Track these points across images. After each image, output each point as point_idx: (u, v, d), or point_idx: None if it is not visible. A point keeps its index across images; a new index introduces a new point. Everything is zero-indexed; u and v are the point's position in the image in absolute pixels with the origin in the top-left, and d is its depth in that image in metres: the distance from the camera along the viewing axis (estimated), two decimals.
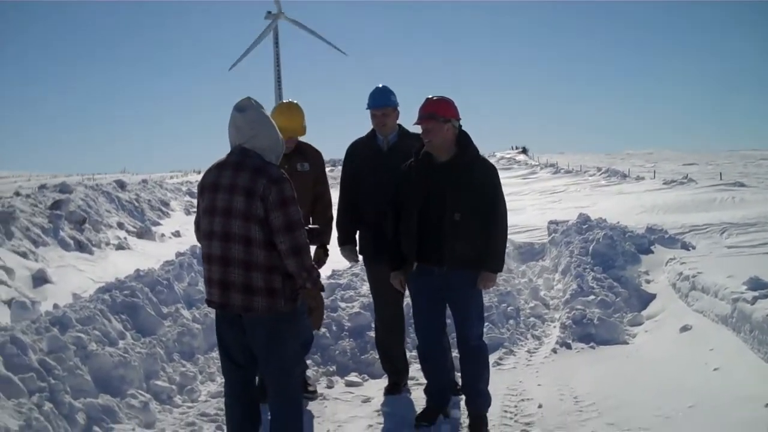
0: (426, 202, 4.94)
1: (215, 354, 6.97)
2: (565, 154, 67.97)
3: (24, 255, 9.75)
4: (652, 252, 9.89)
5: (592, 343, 7.24)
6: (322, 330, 7.24)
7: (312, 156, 5.90)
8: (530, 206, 21.57)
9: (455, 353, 5.51)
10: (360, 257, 6.04)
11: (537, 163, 51.03)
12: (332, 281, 8.40)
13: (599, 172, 34.11)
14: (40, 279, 9.21)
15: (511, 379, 6.36)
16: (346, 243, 5.94)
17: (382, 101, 5.71)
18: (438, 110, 4.93)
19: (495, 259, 5.00)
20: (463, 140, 5.02)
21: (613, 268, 9.14)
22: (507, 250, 11.34)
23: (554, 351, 7.11)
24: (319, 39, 66.68)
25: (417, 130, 5.18)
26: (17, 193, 18.05)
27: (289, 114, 5.81)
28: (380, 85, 5.76)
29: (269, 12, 63.20)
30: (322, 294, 4.34)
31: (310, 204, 5.86)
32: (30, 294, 8.45)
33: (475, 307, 5.12)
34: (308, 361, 6.81)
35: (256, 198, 3.90)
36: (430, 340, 5.23)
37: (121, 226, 15.09)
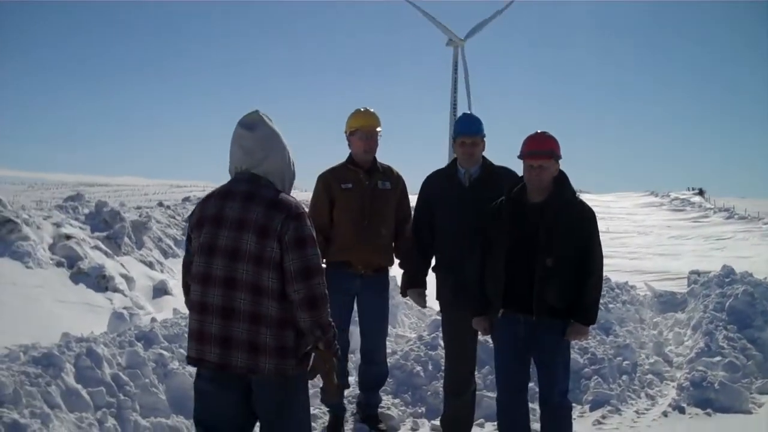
0: (516, 244, 4.60)
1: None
2: (747, 198, 64.54)
3: (150, 265, 10.05)
4: None
5: (709, 410, 6.56)
6: (417, 368, 6.98)
7: (393, 176, 5.74)
8: (690, 252, 20.58)
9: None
10: (435, 302, 5.63)
11: (712, 206, 48.67)
12: (436, 317, 8.09)
13: None
14: (160, 290, 9.44)
15: None
16: (415, 285, 5.55)
17: (473, 128, 5.33)
18: (555, 148, 4.62)
19: (587, 310, 4.62)
20: (561, 180, 4.68)
21: (750, 327, 8.34)
22: (645, 298, 10.84)
23: (665, 414, 6.51)
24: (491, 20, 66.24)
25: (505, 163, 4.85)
26: (160, 204, 18.71)
27: (366, 113, 5.73)
28: (468, 112, 5.44)
29: (450, 40, 63.70)
30: (335, 359, 3.54)
31: (394, 226, 5.73)
32: (146, 304, 8.65)
33: (561, 360, 4.72)
34: (396, 400, 6.58)
35: (272, 237, 3.31)
36: (511, 392, 4.83)
37: None
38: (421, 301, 5.63)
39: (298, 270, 3.32)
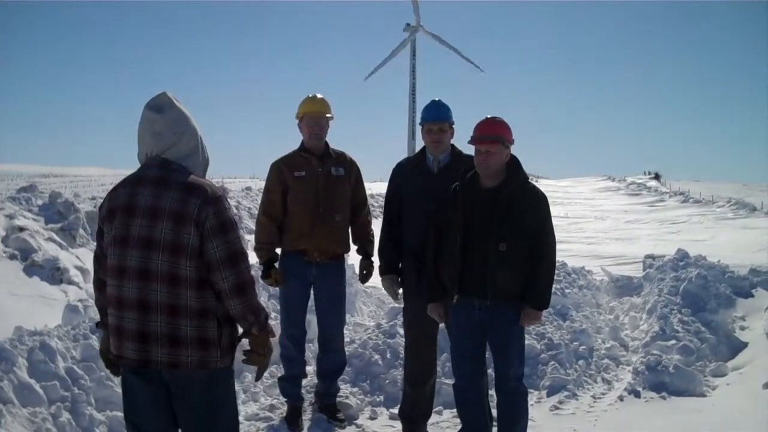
0: (469, 230, 4.60)
1: (265, 372, 6.82)
2: (701, 182, 65.41)
3: None
4: (753, 296, 9.10)
5: (663, 393, 6.64)
6: (375, 356, 6.98)
7: (347, 162, 5.73)
8: (646, 236, 20.78)
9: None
10: (401, 290, 5.59)
11: (668, 191, 49.27)
12: (395, 305, 8.08)
13: (728, 203, 32.63)
14: None
15: (565, 427, 5.92)
16: (387, 272, 5.46)
17: (439, 115, 5.26)
18: (504, 133, 4.61)
19: (540, 294, 4.64)
20: (514, 166, 4.69)
21: (703, 311, 8.45)
22: (601, 282, 10.94)
23: (620, 399, 6.57)
24: (456, 54, 66.14)
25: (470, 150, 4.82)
26: None
27: (314, 99, 5.72)
28: (436, 99, 5.39)
29: (408, 24, 63.44)
30: (271, 339, 3.45)
31: (349, 212, 5.74)
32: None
33: (516, 345, 4.74)
34: (355, 389, 6.58)
35: (188, 224, 3.14)
36: (467, 378, 4.84)
37: None
38: (394, 288, 5.51)
39: (225, 257, 3.18)
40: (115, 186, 3.37)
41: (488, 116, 4.70)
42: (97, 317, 3.62)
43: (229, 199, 3.45)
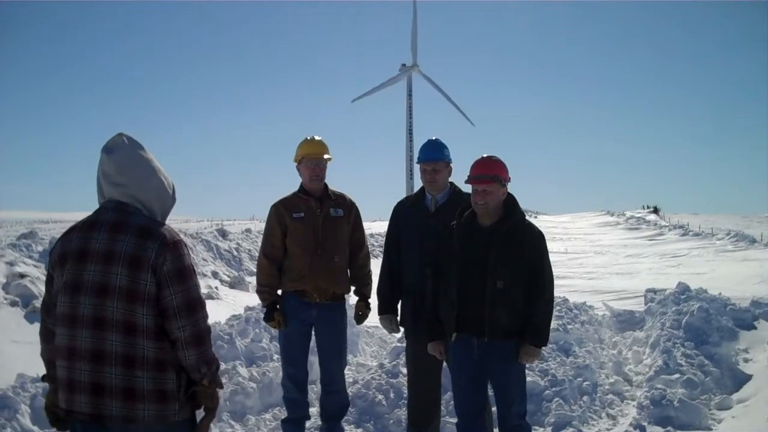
0: (467, 268, 4.62)
1: (268, 415, 6.81)
2: (700, 215, 65.42)
3: None
4: (755, 327, 9.11)
5: (669, 427, 6.56)
6: (379, 396, 6.95)
7: (346, 203, 5.75)
8: (647, 270, 20.75)
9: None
10: (401, 329, 5.62)
11: (667, 224, 49.23)
12: (398, 344, 8.07)
13: (728, 236, 32.59)
14: None
15: None
16: (386, 312, 5.52)
17: (434, 155, 5.33)
18: (500, 172, 4.64)
19: (538, 331, 4.62)
20: (511, 204, 4.72)
21: (706, 344, 8.47)
22: (603, 317, 10.92)
23: None
24: (450, 103, 66.07)
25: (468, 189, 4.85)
26: None
27: (312, 141, 5.73)
28: (433, 138, 5.44)
29: (404, 65, 63.75)
30: (219, 392, 3.30)
31: (348, 254, 5.75)
32: None
33: (516, 383, 4.72)
34: (359, 430, 6.55)
35: (145, 269, 2.97)
36: (469, 416, 4.82)
37: (215, 275, 15.24)
38: (393, 327, 5.59)
39: (181, 305, 3.02)
40: (68, 230, 3.20)
41: (484, 155, 4.74)
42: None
43: (188, 247, 3.28)
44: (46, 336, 3.20)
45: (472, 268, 4.61)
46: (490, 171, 4.64)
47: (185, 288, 3.04)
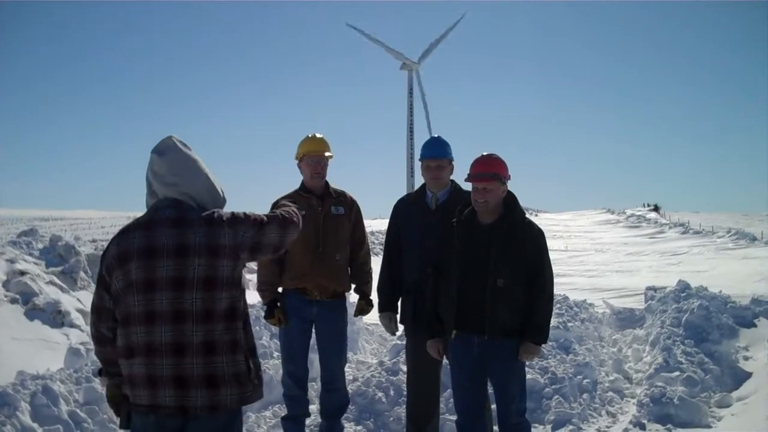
0: (467, 265, 4.63)
1: (268, 413, 6.81)
2: (700, 213, 65.44)
3: None
4: (755, 326, 9.11)
5: (669, 425, 6.59)
6: (379, 394, 6.96)
7: (347, 201, 5.75)
8: (647, 268, 20.72)
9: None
10: (400, 326, 5.63)
11: (667, 222, 49.21)
12: (397, 342, 8.07)
13: (728, 234, 32.59)
14: None
15: None
16: (385, 309, 5.53)
17: (437, 152, 5.33)
18: (500, 170, 4.65)
19: (538, 329, 4.64)
20: (511, 202, 4.72)
21: (706, 342, 8.47)
22: (603, 315, 10.92)
23: (625, 431, 6.55)
24: (422, 105, 65.34)
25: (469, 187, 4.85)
26: None
27: (313, 139, 5.74)
28: (436, 135, 5.44)
29: (404, 63, 63.81)
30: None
31: (349, 251, 5.75)
32: None
33: (516, 380, 4.73)
34: (359, 427, 6.55)
35: (223, 255, 3.14)
36: (469, 414, 4.83)
37: None
38: (392, 325, 5.59)
39: (278, 230, 3.35)
40: (122, 231, 3.27)
41: (484, 153, 4.75)
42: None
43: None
44: (100, 339, 3.29)
45: (472, 266, 4.62)
46: (490, 169, 4.64)
47: (266, 231, 3.31)
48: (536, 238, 4.71)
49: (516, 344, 4.61)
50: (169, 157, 3.30)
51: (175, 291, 3.08)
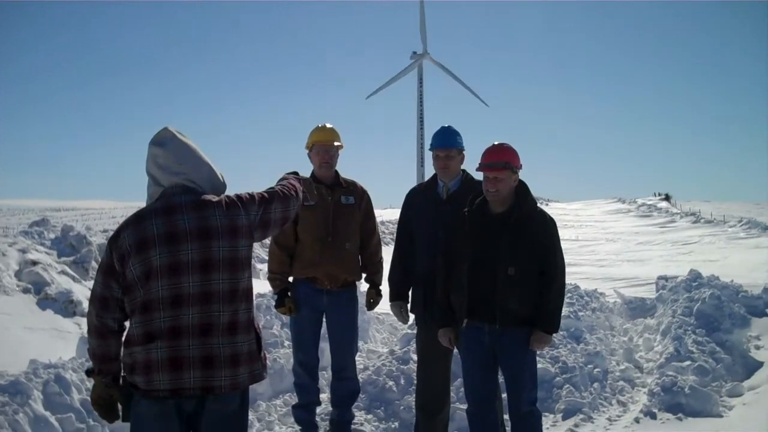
0: (478, 255, 4.62)
1: (279, 401, 6.84)
2: (711, 202, 65.24)
3: None
4: (767, 315, 9.06)
5: (680, 414, 6.58)
6: (389, 383, 6.97)
7: (357, 191, 5.75)
8: (658, 257, 20.74)
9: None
10: (411, 316, 5.63)
11: (678, 212, 49.12)
12: (408, 331, 8.08)
13: (739, 223, 32.51)
14: None
15: None
16: (397, 299, 5.51)
17: (447, 141, 5.29)
18: (511, 159, 4.63)
19: (550, 318, 4.63)
20: (522, 191, 4.71)
21: (718, 331, 8.46)
22: (614, 305, 10.91)
23: (636, 421, 6.51)
24: (462, 86, 65.77)
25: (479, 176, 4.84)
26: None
27: (323, 128, 5.75)
28: (446, 125, 5.42)
29: (415, 52, 63.60)
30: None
31: (359, 241, 5.76)
32: None
33: (528, 369, 4.71)
34: (369, 416, 6.57)
35: (241, 235, 3.23)
36: (480, 402, 4.82)
37: None
38: (403, 314, 5.57)
39: (266, 210, 3.42)
40: (136, 218, 3.22)
41: (495, 143, 4.73)
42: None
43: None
44: (103, 332, 3.19)
45: (483, 255, 4.61)
46: (501, 158, 4.63)
47: (274, 207, 3.46)
48: (547, 227, 4.69)
49: (527, 333, 4.61)
50: (171, 147, 3.32)
51: (203, 273, 3.13)
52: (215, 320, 3.13)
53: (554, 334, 4.82)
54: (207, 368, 3.11)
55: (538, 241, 4.61)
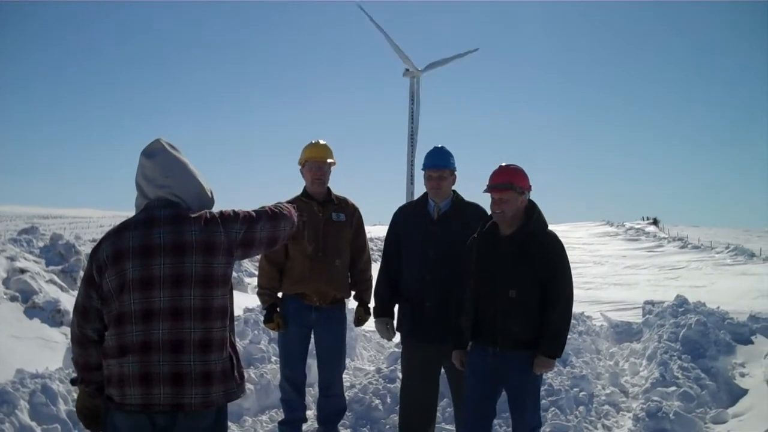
0: (484, 277, 4.65)
1: (265, 417, 6.83)
2: (700, 227, 65.59)
3: None
4: (752, 342, 9.13)
5: None
6: (376, 401, 6.97)
7: (349, 208, 5.77)
8: (645, 282, 20.80)
9: None
10: (397, 334, 5.61)
11: (666, 236, 49.32)
12: (395, 349, 8.10)
13: (727, 249, 32.65)
14: None
15: None
16: (381, 315, 5.53)
17: (440, 162, 5.32)
18: (517, 180, 4.65)
19: (552, 342, 4.61)
20: (531, 212, 4.73)
21: (703, 357, 8.48)
22: (601, 328, 10.94)
23: None
24: (454, 59, 64.46)
25: (476, 198, 4.88)
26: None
27: (316, 145, 5.78)
28: (439, 145, 5.46)
29: (407, 69, 63.60)
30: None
31: (349, 258, 5.77)
32: None
33: (531, 393, 4.70)
34: None
35: (219, 252, 3.17)
36: (476, 422, 4.80)
37: None
38: (388, 331, 5.56)
39: (267, 227, 3.41)
40: (116, 230, 3.22)
41: (502, 164, 4.75)
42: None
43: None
44: (84, 342, 3.21)
45: (486, 277, 4.64)
46: (505, 179, 4.65)
47: (256, 228, 3.36)
48: (552, 249, 4.68)
49: (530, 356, 4.60)
50: (159, 159, 3.30)
51: (174, 288, 3.09)
52: (186, 337, 3.08)
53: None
54: (177, 385, 3.07)
55: (540, 262, 4.60)
